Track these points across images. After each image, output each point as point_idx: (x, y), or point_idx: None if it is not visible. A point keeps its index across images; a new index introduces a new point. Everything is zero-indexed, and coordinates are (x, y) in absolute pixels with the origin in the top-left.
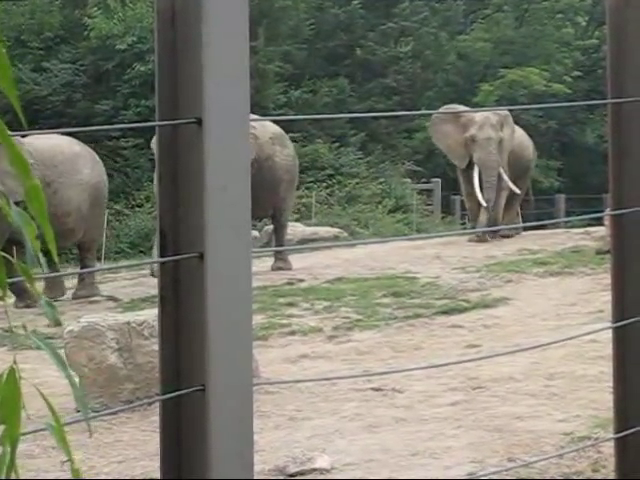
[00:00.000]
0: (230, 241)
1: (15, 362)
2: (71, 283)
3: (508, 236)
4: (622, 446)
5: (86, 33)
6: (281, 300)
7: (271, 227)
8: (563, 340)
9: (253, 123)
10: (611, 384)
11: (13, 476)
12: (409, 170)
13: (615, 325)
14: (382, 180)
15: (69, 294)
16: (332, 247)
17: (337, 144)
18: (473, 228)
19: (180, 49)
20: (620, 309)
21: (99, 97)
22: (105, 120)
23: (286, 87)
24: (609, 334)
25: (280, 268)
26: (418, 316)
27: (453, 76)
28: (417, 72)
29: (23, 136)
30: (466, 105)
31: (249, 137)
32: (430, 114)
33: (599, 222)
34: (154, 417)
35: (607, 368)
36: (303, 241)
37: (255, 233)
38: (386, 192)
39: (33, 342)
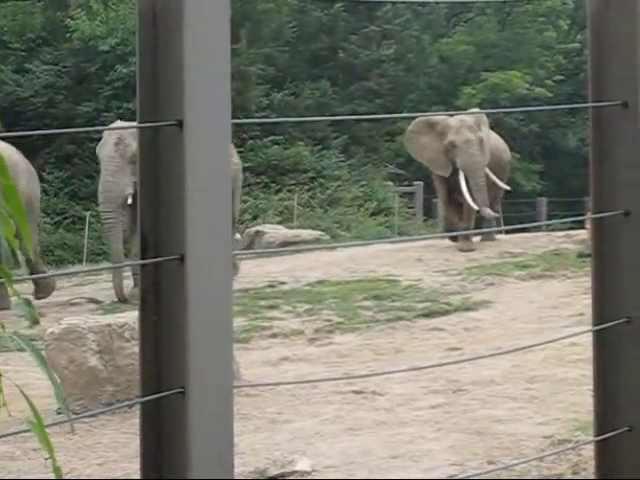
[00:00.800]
0: (211, 243)
1: None
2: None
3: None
4: (602, 449)
5: (68, 35)
6: (262, 303)
7: (253, 229)
8: (544, 343)
9: None
10: (591, 387)
11: None
12: (391, 173)
13: (596, 328)
14: (364, 183)
15: None
16: (314, 250)
17: (319, 147)
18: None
19: (161, 51)
20: (601, 312)
21: (81, 99)
22: (87, 122)
23: (268, 89)
24: (590, 337)
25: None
26: (399, 319)
27: (435, 79)
28: (399, 75)
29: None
30: (448, 108)
31: (230, 139)
32: (413, 117)
33: (580, 225)
34: (134, 419)
35: (588, 371)
36: (285, 244)
37: (237, 236)
38: (368, 195)
39: (15, 343)
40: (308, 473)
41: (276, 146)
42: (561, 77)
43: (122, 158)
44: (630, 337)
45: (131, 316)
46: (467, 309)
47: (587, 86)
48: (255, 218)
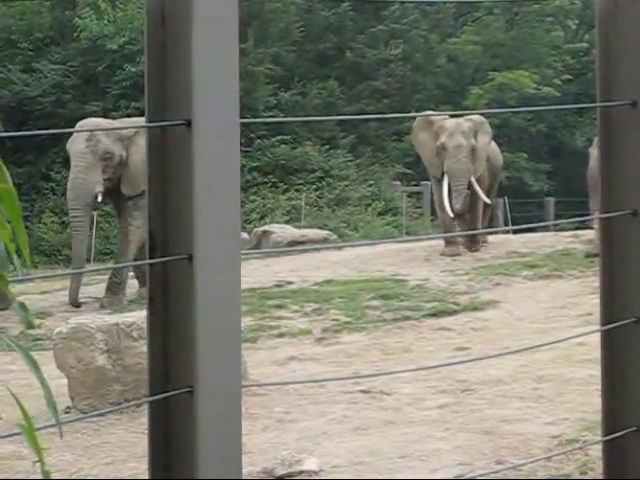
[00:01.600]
0: (219, 243)
1: None
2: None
3: (477, 249)
4: (610, 449)
5: (76, 34)
6: (270, 302)
7: (261, 229)
8: (552, 343)
9: None
10: (599, 387)
11: None
12: (399, 173)
13: (603, 328)
14: (371, 183)
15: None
16: (321, 249)
17: (327, 146)
18: (445, 239)
19: (169, 50)
20: (609, 312)
21: (89, 98)
22: None
23: (276, 89)
24: (597, 337)
25: None
26: (407, 319)
27: (443, 79)
28: (407, 75)
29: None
30: (456, 108)
31: (238, 139)
32: (420, 117)
33: (588, 225)
34: (142, 419)
35: (595, 371)
36: (292, 243)
37: (244, 235)
38: (375, 195)
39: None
40: (316, 473)
41: (284, 146)
42: (569, 77)
43: (93, 155)
44: (638, 337)
45: (139, 315)
46: (475, 309)
47: (595, 86)
48: (263, 218)
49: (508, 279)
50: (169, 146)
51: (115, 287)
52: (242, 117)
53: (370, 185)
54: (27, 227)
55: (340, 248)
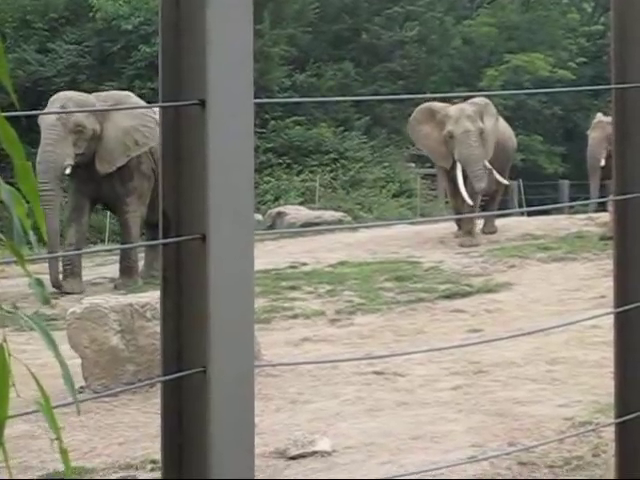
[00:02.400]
0: (232, 223)
1: (5, 340)
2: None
3: (494, 231)
4: (622, 431)
5: (91, 14)
6: (284, 283)
7: (275, 210)
8: (565, 325)
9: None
10: (612, 370)
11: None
12: (413, 155)
13: (617, 311)
14: (386, 164)
15: None
16: (335, 231)
17: (341, 128)
18: (458, 230)
19: (184, 31)
20: (622, 295)
21: (104, 79)
22: None
23: (291, 70)
24: (611, 320)
25: None
26: (420, 300)
27: (458, 61)
28: (422, 57)
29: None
30: (471, 90)
31: (252, 119)
32: (435, 98)
33: (603, 208)
34: (155, 399)
35: (608, 353)
36: (307, 224)
37: (258, 216)
38: (390, 176)
39: (25, 322)
40: (328, 453)
41: (298, 127)
42: (584, 59)
43: (64, 127)
44: None
45: (153, 295)
46: (488, 291)
47: (610, 68)
48: (277, 199)
49: (522, 261)
50: (183, 126)
51: (128, 270)
52: (256, 98)
53: (385, 167)
54: None
55: (354, 230)
